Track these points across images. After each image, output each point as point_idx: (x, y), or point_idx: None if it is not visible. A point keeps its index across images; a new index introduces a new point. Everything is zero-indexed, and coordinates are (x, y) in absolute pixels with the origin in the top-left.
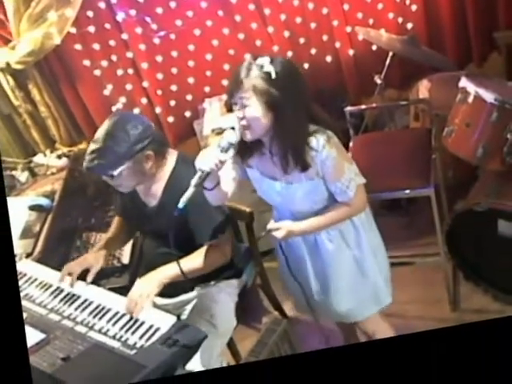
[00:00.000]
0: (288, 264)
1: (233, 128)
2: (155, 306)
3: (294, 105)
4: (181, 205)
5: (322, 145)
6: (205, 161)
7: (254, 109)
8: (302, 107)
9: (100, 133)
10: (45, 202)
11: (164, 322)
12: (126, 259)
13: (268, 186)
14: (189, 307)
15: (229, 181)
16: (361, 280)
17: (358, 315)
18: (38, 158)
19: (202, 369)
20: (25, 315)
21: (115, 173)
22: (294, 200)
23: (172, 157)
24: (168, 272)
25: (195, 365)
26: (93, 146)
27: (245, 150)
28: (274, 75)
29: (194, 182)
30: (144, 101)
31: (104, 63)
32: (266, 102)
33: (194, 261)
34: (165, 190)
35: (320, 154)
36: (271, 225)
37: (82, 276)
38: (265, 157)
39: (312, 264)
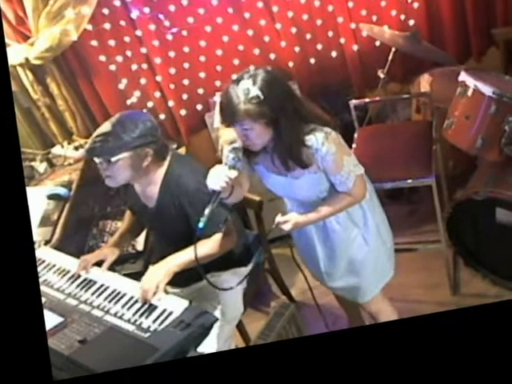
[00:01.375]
0: (304, 239)
1: (234, 148)
2: (167, 293)
3: (286, 114)
4: (201, 224)
5: (320, 142)
6: (215, 181)
7: (255, 131)
8: (294, 113)
9: (111, 120)
10: (62, 191)
11: (177, 307)
12: (140, 246)
13: (274, 181)
14: (199, 293)
15: (243, 180)
16: (367, 257)
17: (363, 294)
18: (56, 150)
19: (213, 351)
20: (43, 300)
21: (113, 159)
22: (300, 192)
23: (167, 159)
24: (176, 261)
25: (206, 347)
26: (100, 130)
27: (250, 152)
28: (261, 96)
29: (211, 200)
30: (157, 94)
31: (119, 58)
32: (263, 122)
33: (202, 248)
34: (160, 191)
35: (319, 152)
36: (279, 218)
37: (99, 264)
38: (269, 156)
39: (321, 245)
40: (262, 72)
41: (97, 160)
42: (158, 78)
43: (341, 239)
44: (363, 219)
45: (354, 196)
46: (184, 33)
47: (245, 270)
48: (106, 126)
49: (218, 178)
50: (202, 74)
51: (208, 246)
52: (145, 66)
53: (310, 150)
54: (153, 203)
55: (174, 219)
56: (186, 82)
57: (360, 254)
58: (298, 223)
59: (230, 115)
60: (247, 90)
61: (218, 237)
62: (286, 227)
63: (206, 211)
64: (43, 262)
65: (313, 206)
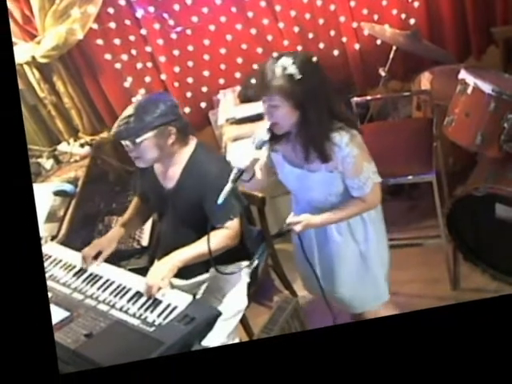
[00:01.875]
0: (302, 248)
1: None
2: (172, 286)
3: (316, 101)
4: (220, 200)
5: (345, 142)
6: (241, 159)
7: (282, 109)
8: (323, 103)
9: (133, 104)
10: (69, 187)
11: (181, 301)
12: (145, 242)
13: (288, 171)
14: (203, 287)
15: (262, 169)
16: (364, 274)
17: (358, 307)
18: (62, 147)
19: (217, 345)
20: (50, 294)
21: (138, 140)
22: (311, 188)
23: (192, 143)
24: (181, 257)
25: (210, 341)
26: (124, 114)
27: (273, 138)
28: (297, 76)
29: (231, 177)
30: None
31: (124, 57)
32: (292, 102)
33: (206, 244)
34: (183, 172)
35: (342, 151)
36: (290, 219)
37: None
38: (290, 143)
39: (319, 252)
40: (304, 54)
41: (124, 143)
42: (163, 77)
43: (339, 250)
44: (364, 234)
45: (367, 202)
46: (188, 32)
47: (247, 264)
48: (128, 110)
49: (243, 156)
50: (206, 73)
51: (213, 242)
52: (149, 64)
53: (333, 147)
54: (172, 184)
55: (190, 201)
56: (190, 80)
57: (356, 269)
58: (310, 224)
59: (262, 88)
60: (285, 67)
61: (224, 232)
62: (297, 228)
63: (227, 188)
64: (50, 257)
65: (319, 207)
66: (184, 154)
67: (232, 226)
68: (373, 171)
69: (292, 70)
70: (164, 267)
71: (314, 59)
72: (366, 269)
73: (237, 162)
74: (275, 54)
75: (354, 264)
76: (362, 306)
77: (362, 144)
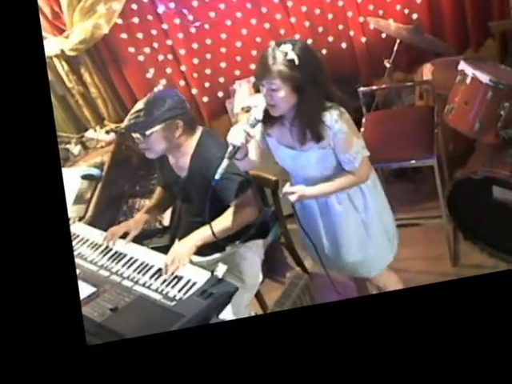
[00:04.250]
0: (300, 223)
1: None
2: (191, 263)
3: (314, 85)
4: (217, 176)
5: (334, 120)
6: (235, 136)
7: (281, 92)
8: (320, 87)
9: (143, 100)
10: (95, 171)
11: (200, 277)
12: (166, 222)
13: (283, 153)
14: (221, 264)
15: (255, 150)
16: (367, 240)
17: (365, 272)
18: (89, 133)
19: (234, 318)
20: (78, 271)
21: (147, 132)
22: (307, 166)
23: (198, 132)
24: (200, 236)
25: (227, 314)
26: (134, 109)
27: (267, 120)
28: (297, 61)
29: (226, 154)
30: (182, 83)
31: (147, 50)
32: (290, 86)
33: (223, 222)
34: (191, 160)
35: (333, 128)
36: (286, 188)
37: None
38: (284, 127)
39: (323, 223)
40: (302, 42)
41: (134, 135)
42: (183, 68)
43: (341, 219)
44: (363, 203)
45: (358, 176)
46: (206, 26)
47: (262, 243)
48: (138, 105)
49: (238, 133)
50: (223, 64)
51: (228, 220)
52: (170, 56)
53: (324, 126)
54: (185, 172)
55: (202, 187)
56: (208, 71)
57: (359, 236)
58: (304, 195)
59: (262, 72)
60: (285, 53)
61: (237, 210)
62: (293, 198)
63: (223, 164)
64: (77, 236)
65: (316, 182)
66: (191, 144)
67: (242, 202)
68: (362, 146)
69: (292, 55)
70: (185, 246)
71: (311, 46)
72: (368, 236)
73: (232, 139)
74: (275, 42)
75: (356, 232)
76: (368, 270)
77: (350, 120)
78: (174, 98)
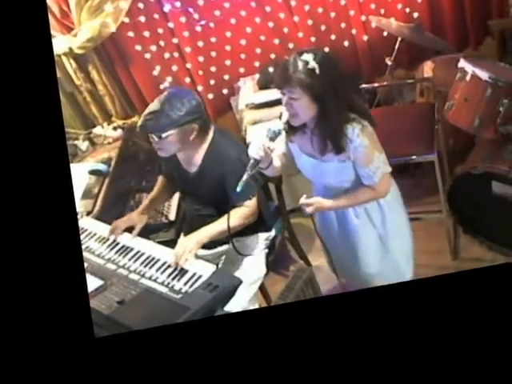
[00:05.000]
0: (317, 232)
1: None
2: (196, 256)
3: (335, 95)
4: (239, 189)
5: (356, 134)
6: (255, 150)
7: (301, 102)
8: (342, 97)
9: (160, 99)
10: (102, 167)
11: (205, 270)
12: (172, 216)
13: (305, 161)
14: (225, 257)
15: (279, 157)
16: (384, 255)
17: (380, 284)
18: (97, 130)
19: (238, 310)
20: (86, 265)
21: (163, 135)
22: (325, 176)
23: (211, 130)
24: (206, 233)
25: (232, 307)
26: (151, 108)
27: (290, 128)
28: (318, 71)
29: (248, 167)
30: (187, 80)
31: (153, 48)
32: (311, 95)
33: (229, 221)
34: (204, 158)
35: (354, 142)
36: (303, 200)
37: (130, 231)
38: (306, 135)
39: (340, 233)
40: (324, 52)
41: (149, 135)
42: (188, 66)
43: (358, 232)
44: (381, 218)
45: (377, 191)
46: (211, 25)
47: (266, 236)
48: (155, 105)
49: (257, 147)
50: (228, 62)
51: (234, 220)
52: (176, 54)
53: (345, 139)
54: (195, 169)
55: (212, 184)
56: (213, 69)
57: (375, 250)
58: (320, 207)
59: (283, 80)
60: (306, 62)
61: (244, 211)
62: (309, 210)
63: (244, 177)
64: (85, 230)
65: (335, 191)
66: (204, 143)
67: (250, 204)
68: (383, 162)
69: (313, 64)
70: (191, 241)
71: (333, 55)
72: (385, 251)
73: (252, 152)
74: (297, 50)
75: (373, 246)
76: (384, 282)
77: (373, 135)
78: (192, 102)
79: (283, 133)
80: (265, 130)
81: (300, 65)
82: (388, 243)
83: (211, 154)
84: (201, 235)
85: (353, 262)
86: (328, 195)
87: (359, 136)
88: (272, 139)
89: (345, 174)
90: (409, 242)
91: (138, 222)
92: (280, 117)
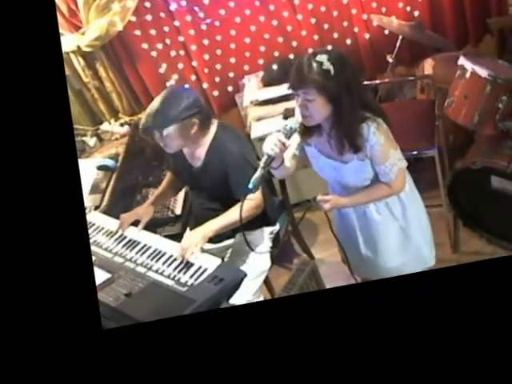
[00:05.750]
0: (332, 231)
1: (292, 120)
2: (202, 250)
3: (349, 96)
4: (250, 185)
5: (372, 132)
6: (270, 146)
7: (316, 102)
8: (356, 98)
9: (157, 99)
10: (110, 162)
11: (211, 264)
12: (178, 211)
13: (324, 163)
14: (230, 251)
15: (291, 158)
16: (407, 246)
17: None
18: (105, 126)
19: (243, 303)
20: (93, 258)
21: (165, 132)
22: (346, 177)
23: (214, 125)
24: (212, 226)
25: (237, 299)
26: (151, 109)
27: (305, 130)
28: (332, 72)
29: (261, 164)
30: (193, 77)
31: (159, 46)
32: (326, 96)
33: (233, 214)
34: (207, 153)
35: (370, 140)
36: (320, 197)
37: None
38: (323, 137)
39: (361, 231)
40: (338, 52)
41: (152, 133)
42: (194, 63)
43: (380, 228)
44: (402, 210)
45: (393, 187)
46: (216, 23)
47: (270, 230)
48: (154, 104)
49: (273, 143)
50: (233, 60)
51: (237, 214)
52: (182, 52)
53: (361, 138)
54: (199, 163)
55: (216, 178)
56: (218, 66)
57: (398, 242)
58: (337, 204)
59: (298, 81)
60: (321, 63)
61: (249, 204)
62: (326, 206)
63: (257, 173)
64: (93, 225)
65: (353, 191)
66: (207, 137)
67: (254, 197)
68: (398, 158)
69: (327, 65)
70: (198, 235)
71: (347, 56)
72: (408, 241)
73: (267, 148)
74: (311, 51)
75: (395, 239)
76: (407, 272)
77: (388, 132)
78: (190, 97)
79: (296, 133)
80: (280, 126)
81: (315, 66)
82: (410, 233)
83: (214, 149)
84: (207, 229)
85: (373, 258)
86: (345, 193)
87: (375, 134)
88: (288, 136)
89: (365, 172)
90: (429, 229)
91: (145, 215)
92: (284, 114)
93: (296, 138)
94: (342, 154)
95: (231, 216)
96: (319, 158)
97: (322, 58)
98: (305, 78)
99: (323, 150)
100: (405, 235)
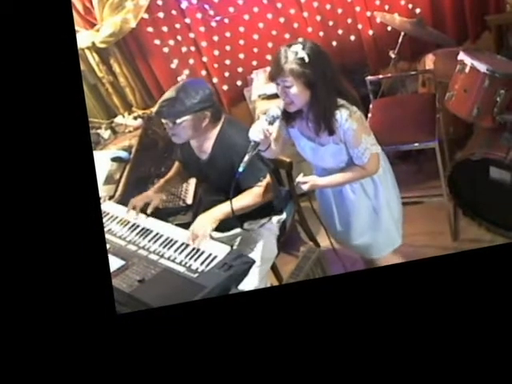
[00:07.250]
0: (313, 208)
1: (274, 108)
2: (212, 238)
3: (324, 81)
4: (241, 169)
5: (344, 118)
6: (255, 133)
7: (295, 89)
8: (331, 82)
9: (175, 87)
10: (124, 154)
11: (221, 251)
12: (189, 200)
13: (304, 144)
14: (239, 239)
15: (277, 140)
16: (377, 225)
17: (373, 253)
18: (118, 119)
19: (251, 289)
20: (108, 246)
21: (178, 121)
22: (323, 158)
23: (221, 120)
24: (221, 210)
25: (245, 285)
26: (167, 95)
27: (288, 116)
28: (307, 59)
29: (248, 149)
30: (203, 72)
31: (171, 42)
32: (303, 82)
33: (242, 200)
34: (214, 146)
35: (342, 126)
36: (299, 178)
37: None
38: (304, 120)
39: (337, 209)
40: (311, 42)
41: (163, 121)
42: (204, 59)
43: (354, 206)
44: (374, 192)
45: (367, 170)
46: (226, 20)
47: (277, 219)
48: (171, 93)
49: (257, 130)
50: (241, 55)
51: (248, 198)
52: (193, 48)
53: (335, 122)
54: (206, 155)
55: (223, 170)
56: (227, 62)
57: (370, 221)
58: (315, 185)
59: (276, 71)
60: (296, 52)
61: (257, 190)
62: (304, 187)
63: (246, 158)
64: (108, 214)
65: (332, 173)
66: (215, 130)
67: (262, 184)
68: (371, 143)
69: (302, 54)
70: (207, 219)
71: (319, 45)
72: (378, 221)
73: (253, 136)
74: (286, 44)
75: (367, 217)
76: (378, 252)
77: (361, 118)
78: (206, 91)
79: (280, 118)
80: (265, 115)
81: (290, 55)
82: (380, 214)
83: (220, 142)
84: (217, 211)
85: (346, 233)
86: (325, 174)
87: (348, 120)
88: (271, 123)
89: (340, 155)
90: (398, 212)
91: (154, 198)
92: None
93: (279, 124)
94: (318, 135)
95: (241, 202)
96: (301, 139)
97: (297, 47)
98: (282, 67)
99: (304, 132)
100: (376, 215)
